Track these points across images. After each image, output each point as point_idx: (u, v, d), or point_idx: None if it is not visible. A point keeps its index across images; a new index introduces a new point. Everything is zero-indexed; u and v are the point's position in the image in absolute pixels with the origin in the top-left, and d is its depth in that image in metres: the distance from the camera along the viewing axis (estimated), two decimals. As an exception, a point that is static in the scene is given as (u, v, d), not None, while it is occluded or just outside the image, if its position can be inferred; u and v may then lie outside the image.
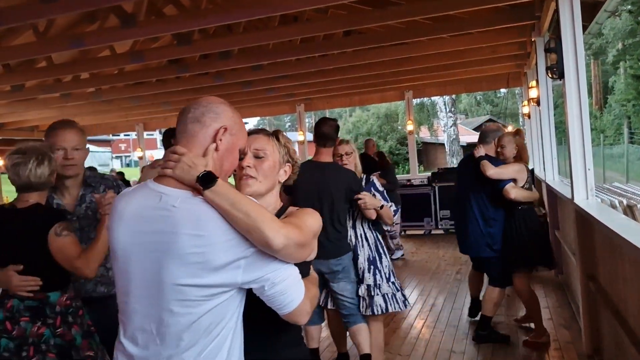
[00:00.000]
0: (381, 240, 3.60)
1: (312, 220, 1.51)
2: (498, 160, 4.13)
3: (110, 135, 36.53)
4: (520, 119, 23.57)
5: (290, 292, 1.38)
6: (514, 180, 4.00)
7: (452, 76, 9.48)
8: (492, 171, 3.95)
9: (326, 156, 3.51)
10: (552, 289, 5.44)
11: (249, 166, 1.60)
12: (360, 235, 3.53)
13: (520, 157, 4.13)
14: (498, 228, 4.08)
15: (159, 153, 45.79)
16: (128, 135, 39.44)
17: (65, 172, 2.36)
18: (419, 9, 5.29)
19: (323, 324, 3.75)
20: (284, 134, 1.78)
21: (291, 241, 1.32)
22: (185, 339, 1.33)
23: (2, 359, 2.10)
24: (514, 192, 3.93)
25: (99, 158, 40.81)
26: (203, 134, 1.43)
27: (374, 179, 3.66)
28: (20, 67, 7.49)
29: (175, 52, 6.27)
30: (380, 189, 3.60)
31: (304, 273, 1.55)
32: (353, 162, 3.59)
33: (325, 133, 3.48)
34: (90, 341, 2.23)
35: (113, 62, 6.93)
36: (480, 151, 4.15)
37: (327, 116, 4.06)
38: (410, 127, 11.31)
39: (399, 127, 32.31)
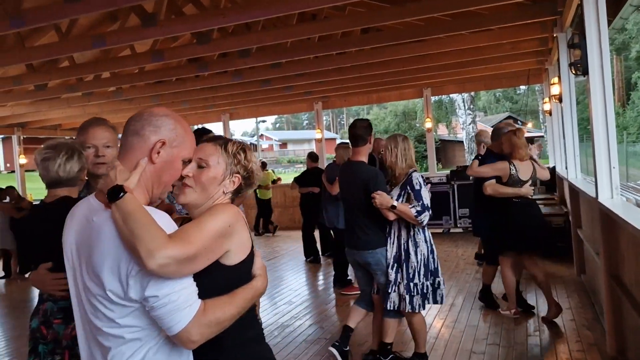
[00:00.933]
0: (416, 239, 3.54)
1: (213, 222, 1.43)
2: (496, 155, 4.58)
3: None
4: (541, 116, 23.25)
5: (167, 319, 1.31)
6: (500, 177, 4.44)
7: (471, 73, 9.39)
8: (470, 171, 4.67)
9: (358, 155, 3.70)
10: (574, 290, 5.36)
11: (188, 175, 1.56)
12: (394, 232, 3.59)
13: (512, 154, 4.42)
14: (487, 215, 4.69)
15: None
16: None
17: (97, 171, 2.25)
18: (437, 6, 5.25)
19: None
20: (239, 142, 1.69)
21: (171, 259, 1.27)
22: (105, 344, 1.36)
23: None
24: (489, 189, 4.43)
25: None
26: (141, 147, 1.44)
27: (414, 175, 3.53)
28: (43, 67, 7.63)
29: (194, 51, 6.32)
30: (417, 187, 3.49)
31: (241, 279, 1.50)
32: (390, 157, 3.60)
33: (353, 134, 3.72)
34: None
35: (134, 61, 7.01)
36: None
37: (349, 115, 4.27)
38: (428, 124, 11.24)
39: (417, 125, 32.13)
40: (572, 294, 5.23)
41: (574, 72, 4.02)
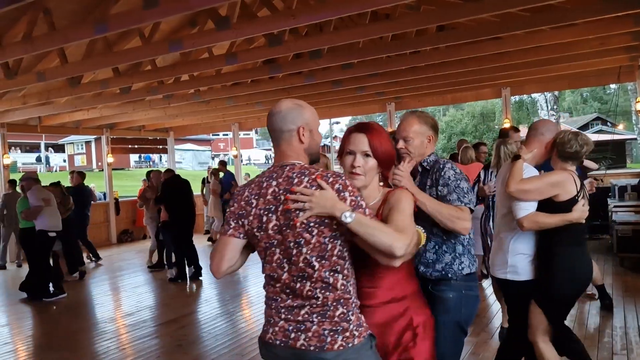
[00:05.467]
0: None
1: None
2: None
3: (211, 134, 38.41)
4: (633, 117, 21.61)
5: None
6: None
7: (554, 71, 8.87)
8: None
9: None
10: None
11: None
12: None
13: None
14: None
15: (254, 152, 47.34)
16: (227, 134, 41.23)
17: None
18: (515, 0, 4.99)
19: None
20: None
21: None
22: None
23: None
24: None
25: (199, 156, 43.10)
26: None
27: None
28: (128, 70, 8.09)
29: (266, 53, 6.43)
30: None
31: None
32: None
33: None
34: None
35: (210, 64, 7.25)
36: None
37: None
38: (506, 126, 10.75)
39: (496, 127, 30.97)
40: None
41: (668, 67, 3.67)
